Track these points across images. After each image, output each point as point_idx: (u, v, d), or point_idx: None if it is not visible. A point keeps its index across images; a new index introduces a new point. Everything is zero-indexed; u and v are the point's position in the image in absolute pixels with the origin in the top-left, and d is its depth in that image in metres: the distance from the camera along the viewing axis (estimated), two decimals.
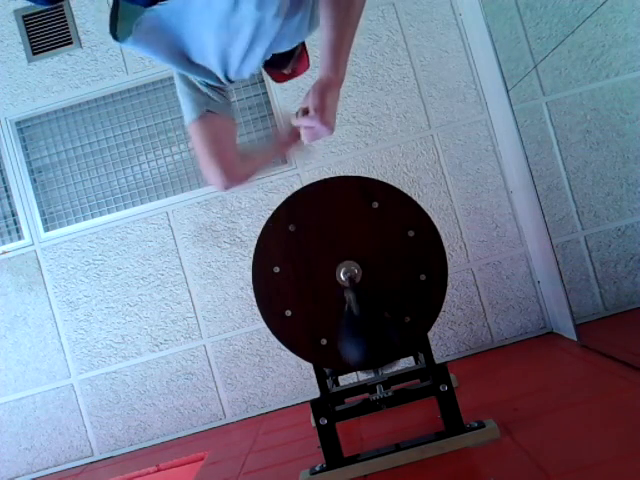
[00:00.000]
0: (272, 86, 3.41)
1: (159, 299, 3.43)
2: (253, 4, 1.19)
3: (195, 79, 1.46)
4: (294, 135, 1.54)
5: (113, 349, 3.43)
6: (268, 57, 1.39)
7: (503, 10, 3.16)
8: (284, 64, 1.54)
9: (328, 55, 1.24)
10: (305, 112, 1.28)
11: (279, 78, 1.66)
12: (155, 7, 1.20)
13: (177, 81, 1.50)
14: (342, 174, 3.25)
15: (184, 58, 1.36)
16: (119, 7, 1.25)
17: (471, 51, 3.40)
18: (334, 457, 2.09)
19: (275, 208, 2.20)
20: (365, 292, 2.00)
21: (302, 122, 1.29)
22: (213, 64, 1.38)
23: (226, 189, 1.54)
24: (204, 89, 1.46)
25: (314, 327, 2.11)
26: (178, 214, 3.45)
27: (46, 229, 3.47)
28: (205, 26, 1.26)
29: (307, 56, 1.61)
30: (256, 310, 2.28)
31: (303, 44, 1.56)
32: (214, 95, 1.48)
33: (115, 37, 1.28)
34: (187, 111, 1.50)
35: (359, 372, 3.11)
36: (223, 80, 1.44)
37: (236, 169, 1.53)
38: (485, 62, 3.25)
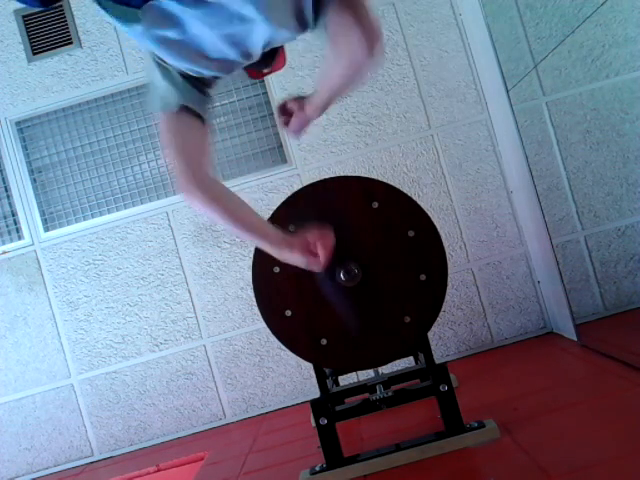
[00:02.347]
0: (272, 86, 3.41)
1: (159, 299, 3.43)
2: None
3: (187, 71, 1.36)
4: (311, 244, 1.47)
5: (113, 349, 3.43)
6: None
7: (503, 10, 3.16)
8: (266, 61, 1.52)
9: (323, 104, 1.47)
10: (284, 111, 1.57)
11: (255, 75, 1.64)
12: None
13: (152, 70, 1.39)
14: (342, 174, 3.25)
15: (197, 51, 1.29)
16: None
17: (471, 51, 3.40)
18: (334, 457, 2.09)
19: (275, 208, 2.20)
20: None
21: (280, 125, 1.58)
22: (213, 52, 1.30)
23: (185, 196, 1.38)
24: (186, 83, 1.37)
25: (314, 327, 2.11)
26: (178, 214, 3.45)
27: (46, 229, 3.47)
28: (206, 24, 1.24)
29: (284, 54, 1.59)
30: (256, 310, 2.28)
31: None
32: (195, 91, 1.39)
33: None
34: (157, 98, 1.39)
35: (360, 371, 3.11)
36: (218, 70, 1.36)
37: (201, 183, 1.38)
38: (485, 62, 3.25)
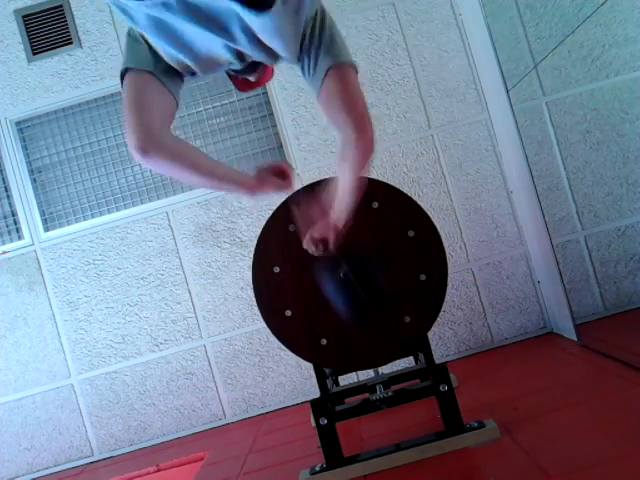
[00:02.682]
0: (272, 86, 3.41)
1: (159, 299, 3.43)
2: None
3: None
4: (270, 179, 1.53)
5: (113, 349, 3.43)
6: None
7: (503, 10, 3.16)
8: (252, 72, 1.51)
9: (348, 207, 1.55)
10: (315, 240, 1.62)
11: (242, 87, 1.64)
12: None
13: (132, 40, 1.38)
14: None
15: (183, 42, 1.29)
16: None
17: (471, 51, 3.40)
18: (334, 457, 2.09)
19: (275, 208, 2.20)
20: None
21: (311, 242, 1.64)
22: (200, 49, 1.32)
23: (142, 153, 1.32)
24: (162, 60, 1.35)
25: (314, 327, 2.11)
26: (178, 214, 3.45)
27: (46, 229, 3.47)
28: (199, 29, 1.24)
29: (272, 67, 1.59)
30: (256, 310, 2.29)
31: None
32: (169, 68, 1.37)
33: None
34: (130, 59, 1.36)
35: (360, 371, 3.11)
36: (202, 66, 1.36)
37: (160, 137, 1.33)
38: (485, 62, 3.25)
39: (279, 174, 1.55)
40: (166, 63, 1.35)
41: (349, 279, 1.99)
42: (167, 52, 1.33)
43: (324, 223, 1.58)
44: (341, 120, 1.40)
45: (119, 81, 1.39)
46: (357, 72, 1.44)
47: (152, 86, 1.35)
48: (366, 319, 2.06)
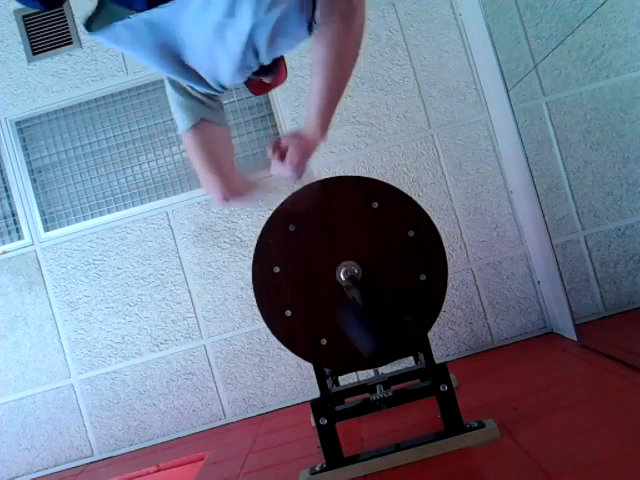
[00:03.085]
0: None
1: (159, 299, 3.43)
2: (251, 9, 1.16)
3: (186, 84, 1.40)
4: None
5: (113, 349, 3.43)
6: (263, 62, 1.34)
7: (503, 10, 3.16)
8: (266, 75, 1.51)
9: (317, 117, 1.34)
10: (279, 148, 1.44)
11: (257, 90, 1.64)
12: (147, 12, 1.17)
13: (168, 88, 1.44)
14: (342, 174, 3.25)
15: (176, 61, 1.28)
16: (103, 7, 1.21)
17: (471, 51, 3.40)
18: (334, 457, 2.09)
19: (275, 208, 2.20)
20: (368, 286, 2.00)
21: (276, 167, 1.46)
22: (206, 70, 1.32)
23: (226, 201, 1.45)
24: (196, 94, 1.41)
25: (314, 327, 2.11)
26: (178, 214, 3.45)
27: (46, 229, 3.47)
28: (198, 33, 1.23)
29: (285, 67, 1.59)
30: (256, 310, 2.28)
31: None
32: (207, 100, 1.42)
33: (89, 29, 1.18)
34: (180, 119, 1.43)
35: (360, 371, 3.11)
36: (216, 87, 1.38)
37: (235, 180, 1.45)
38: (485, 62, 3.25)
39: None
40: (205, 97, 1.40)
41: (357, 304, 1.95)
42: (197, 84, 1.36)
43: (292, 133, 1.46)
44: (331, 9, 1.23)
45: (182, 136, 1.46)
46: None
47: (209, 132, 1.42)
48: (381, 345, 1.99)
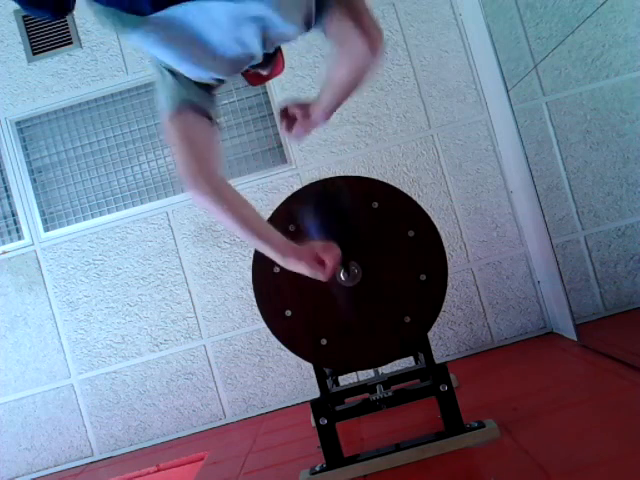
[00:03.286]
0: (272, 86, 3.41)
1: (159, 299, 3.43)
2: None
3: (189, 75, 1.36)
4: (314, 257, 1.42)
5: (113, 349, 3.43)
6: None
7: (503, 10, 3.16)
8: (265, 65, 1.51)
9: (331, 110, 1.53)
10: (287, 116, 1.59)
11: (255, 81, 1.64)
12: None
13: (158, 73, 1.39)
14: (342, 174, 3.25)
15: (205, 52, 1.28)
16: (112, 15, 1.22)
17: (471, 51, 3.40)
18: (334, 457, 2.09)
19: (275, 208, 2.20)
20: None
21: (282, 131, 1.64)
22: (212, 59, 1.31)
23: (198, 192, 1.35)
24: (190, 82, 1.37)
25: (314, 327, 2.11)
26: (178, 214, 3.45)
27: (46, 229, 3.47)
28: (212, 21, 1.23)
29: (283, 58, 1.59)
30: (256, 310, 2.28)
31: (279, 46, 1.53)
32: (201, 90, 1.39)
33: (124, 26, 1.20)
34: (166, 99, 1.37)
35: (360, 371, 3.11)
36: (214, 77, 1.37)
37: (211, 181, 1.36)
38: (485, 62, 3.25)
39: (323, 252, 1.41)
40: (195, 84, 1.37)
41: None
42: (189, 70, 1.33)
43: (300, 102, 1.59)
44: (349, 38, 1.31)
45: (164, 122, 1.41)
46: None
47: (192, 121, 1.37)
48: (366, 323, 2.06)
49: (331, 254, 1.40)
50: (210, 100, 1.42)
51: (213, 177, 1.37)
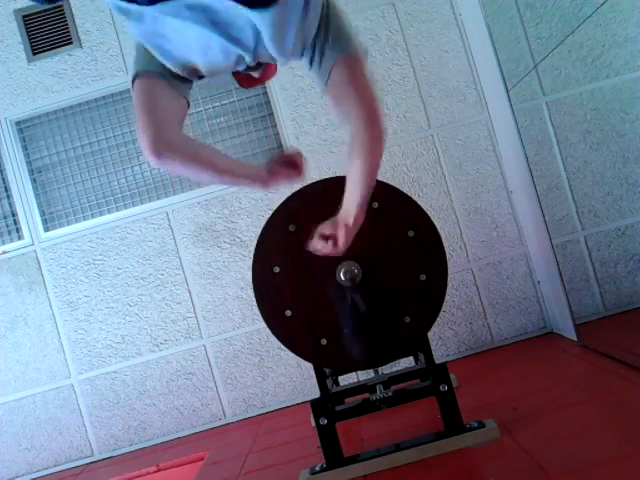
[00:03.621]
0: (272, 86, 3.41)
1: (159, 299, 3.43)
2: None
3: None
4: (282, 170, 1.53)
5: (113, 349, 3.43)
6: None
7: (503, 10, 3.16)
8: (256, 69, 1.50)
9: (360, 204, 1.52)
10: (325, 237, 1.55)
11: (246, 83, 1.63)
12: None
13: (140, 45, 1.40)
14: (342, 174, 3.24)
15: (196, 49, 1.30)
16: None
17: (471, 51, 3.40)
18: (334, 457, 2.09)
19: (275, 208, 2.20)
20: (368, 290, 2.02)
21: (323, 247, 1.56)
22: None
23: (155, 156, 1.32)
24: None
25: (314, 327, 2.11)
26: (178, 214, 3.45)
27: (46, 229, 3.47)
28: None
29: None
30: (256, 310, 2.29)
31: None
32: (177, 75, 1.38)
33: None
34: (139, 63, 1.38)
35: (360, 371, 3.11)
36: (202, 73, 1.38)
37: (172, 139, 1.34)
38: (485, 62, 3.25)
39: (290, 164, 1.56)
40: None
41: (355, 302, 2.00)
42: (170, 60, 1.33)
43: (334, 221, 1.57)
44: (349, 111, 1.38)
45: (130, 85, 1.41)
46: (365, 59, 1.43)
47: (162, 89, 1.36)
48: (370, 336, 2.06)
49: (295, 155, 1.55)
50: (184, 82, 1.40)
51: (172, 143, 1.34)
